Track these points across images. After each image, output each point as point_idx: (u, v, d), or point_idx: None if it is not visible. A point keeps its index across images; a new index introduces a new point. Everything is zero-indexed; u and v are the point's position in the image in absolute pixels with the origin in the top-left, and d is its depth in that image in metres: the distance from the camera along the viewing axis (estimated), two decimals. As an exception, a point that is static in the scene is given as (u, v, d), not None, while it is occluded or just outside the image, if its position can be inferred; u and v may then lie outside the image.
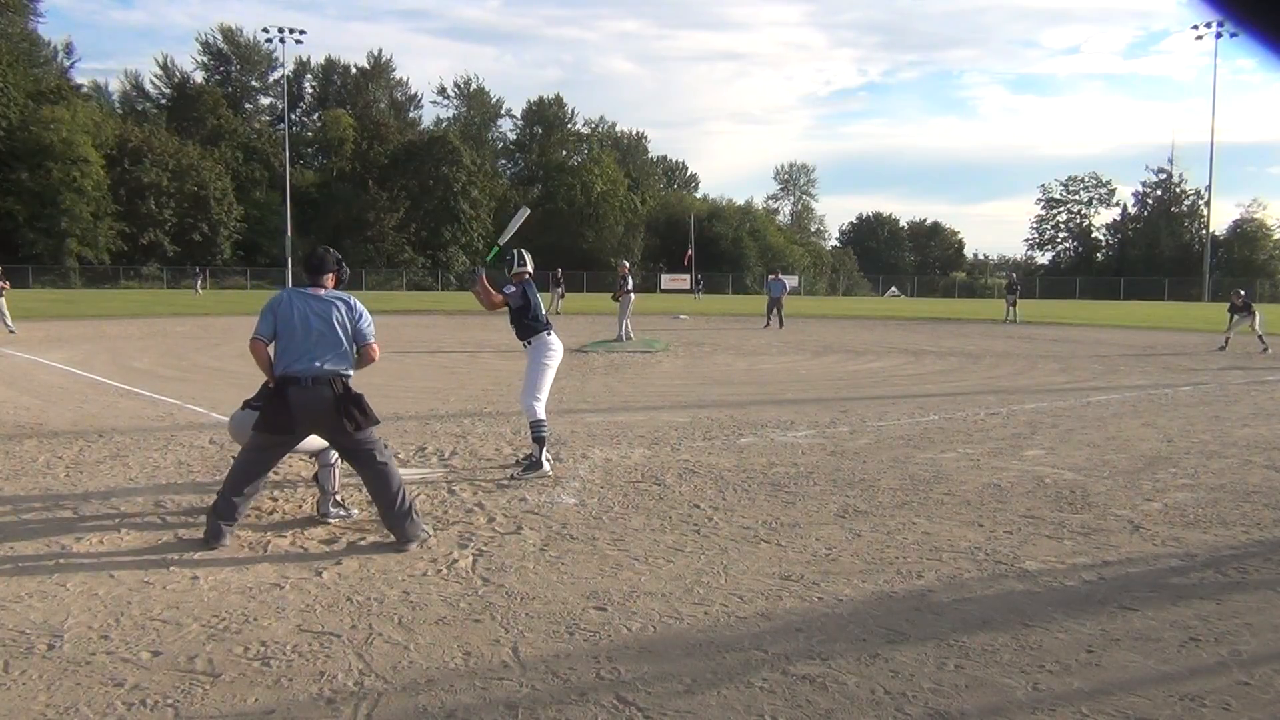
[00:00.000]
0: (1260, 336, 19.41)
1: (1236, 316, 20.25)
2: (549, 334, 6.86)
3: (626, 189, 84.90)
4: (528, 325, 6.84)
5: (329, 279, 5.16)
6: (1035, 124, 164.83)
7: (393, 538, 4.90)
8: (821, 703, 3.12)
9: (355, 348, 5.05)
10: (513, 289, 6.77)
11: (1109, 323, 32.07)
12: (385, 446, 5.10)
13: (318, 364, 4.84)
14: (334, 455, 5.45)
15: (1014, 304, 31.70)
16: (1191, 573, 4.63)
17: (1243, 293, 20.77)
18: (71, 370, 13.50)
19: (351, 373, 4.98)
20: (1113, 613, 4.00)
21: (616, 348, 17.86)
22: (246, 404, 5.65)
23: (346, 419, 4.82)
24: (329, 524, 5.28)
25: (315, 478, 5.57)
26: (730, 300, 58.19)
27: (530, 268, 7.01)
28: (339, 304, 5.02)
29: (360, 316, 5.05)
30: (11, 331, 19.68)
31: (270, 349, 4.97)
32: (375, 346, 5.08)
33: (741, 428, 8.90)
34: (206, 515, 4.98)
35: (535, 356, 6.80)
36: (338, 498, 5.50)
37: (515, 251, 7.02)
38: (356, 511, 5.50)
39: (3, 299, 20.06)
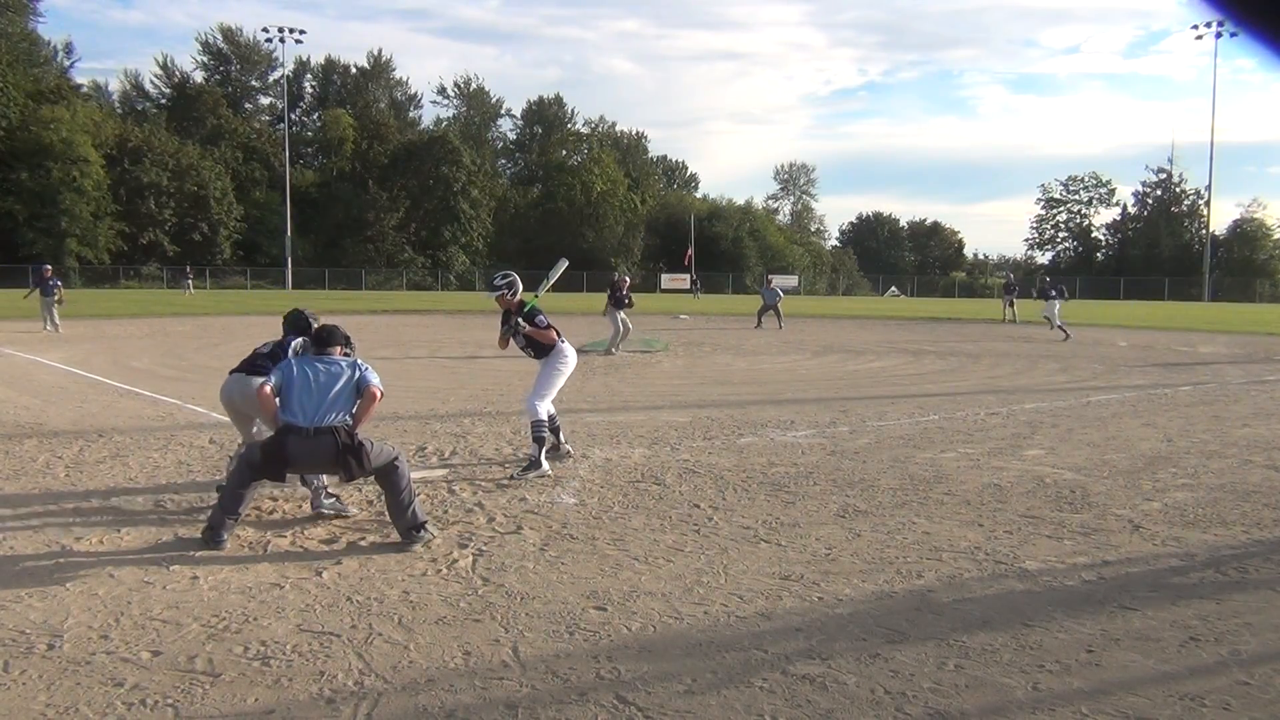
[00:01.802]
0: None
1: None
2: (563, 343, 6.92)
3: (626, 189, 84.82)
4: (546, 345, 6.84)
5: (335, 351, 5.22)
6: (1035, 124, 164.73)
7: (396, 536, 4.93)
8: (821, 703, 3.12)
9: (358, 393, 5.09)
10: (542, 317, 6.76)
11: (1109, 322, 32.06)
12: (393, 449, 5.13)
13: (320, 415, 4.90)
14: None
15: (1012, 304, 31.61)
16: (1191, 573, 4.63)
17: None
18: (71, 370, 13.49)
19: (350, 420, 5.00)
20: (1113, 613, 4.00)
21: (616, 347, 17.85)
22: (234, 371, 5.77)
23: (343, 469, 4.90)
24: (325, 515, 5.32)
25: None
26: (730, 300, 58.18)
27: (521, 289, 6.97)
28: (344, 362, 5.13)
29: (366, 369, 5.14)
30: (50, 330, 20.37)
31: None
32: (376, 389, 5.09)
33: (741, 428, 8.90)
34: (209, 515, 5.00)
35: (551, 362, 6.86)
36: (329, 489, 5.54)
37: (509, 276, 6.93)
38: (356, 510, 5.51)
39: (55, 302, 20.88)
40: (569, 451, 7.23)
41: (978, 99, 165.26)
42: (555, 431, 7.08)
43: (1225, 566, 4.71)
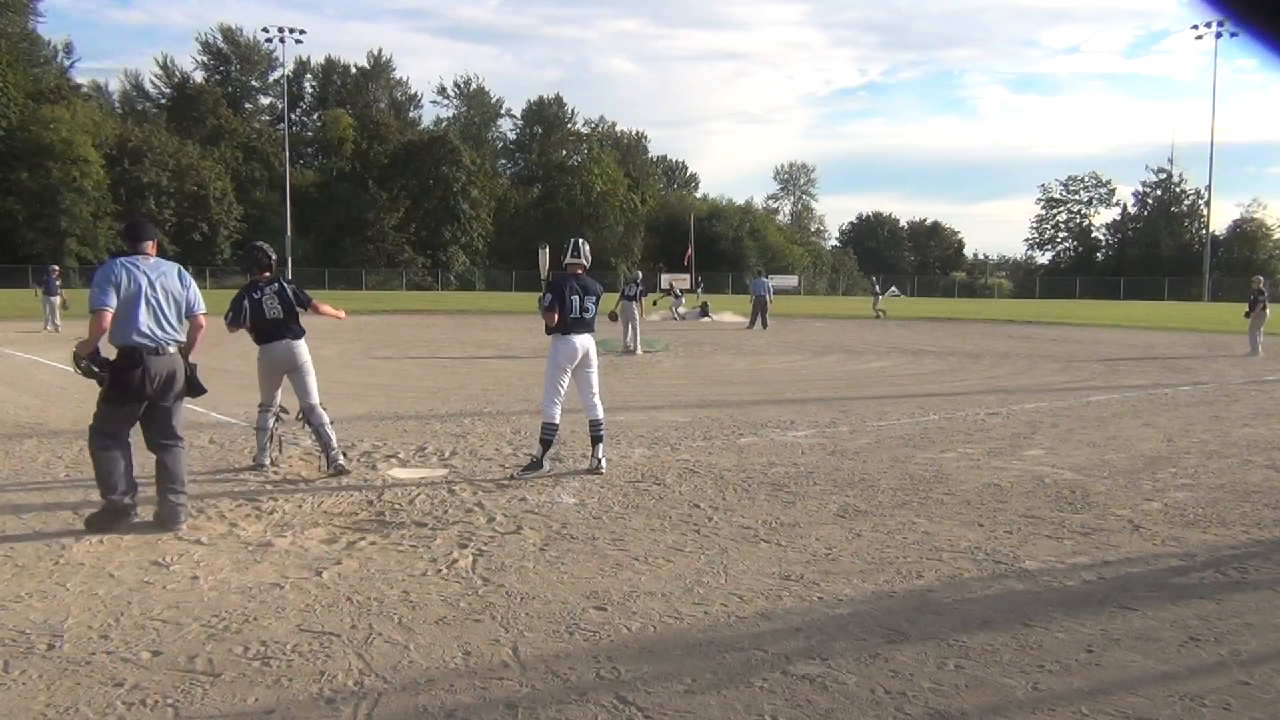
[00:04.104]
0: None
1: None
2: (561, 335, 6.62)
3: (626, 189, 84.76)
4: (550, 326, 6.66)
5: (150, 246, 5.18)
6: (1035, 124, 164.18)
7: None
8: (821, 703, 3.12)
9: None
10: (548, 298, 6.60)
11: (1109, 323, 32.07)
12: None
13: (169, 331, 4.94)
14: (323, 416, 6.26)
15: (878, 299, 36.84)
16: (1191, 573, 4.63)
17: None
18: (71, 370, 13.47)
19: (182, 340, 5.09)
20: (1113, 613, 4.00)
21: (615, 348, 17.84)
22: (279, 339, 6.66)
23: (191, 386, 5.02)
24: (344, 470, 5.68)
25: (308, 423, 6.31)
26: (730, 300, 58.11)
27: (586, 260, 6.82)
28: (173, 273, 5.10)
29: (190, 285, 5.13)
30: (50, 329, 20.56)
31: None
32: (203, 318, 5.16)
33: (741, 428, 8.90)
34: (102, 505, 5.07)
35: (548, 356, 6.80)
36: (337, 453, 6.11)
37: (573, 241, 6.88)
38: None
39: (55, 300, 21.14)
40: (596, 466, 6.77)
41: (978, 99, 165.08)
42: (595, 441, 6.83)
43: (1225, 566, 4.71)
